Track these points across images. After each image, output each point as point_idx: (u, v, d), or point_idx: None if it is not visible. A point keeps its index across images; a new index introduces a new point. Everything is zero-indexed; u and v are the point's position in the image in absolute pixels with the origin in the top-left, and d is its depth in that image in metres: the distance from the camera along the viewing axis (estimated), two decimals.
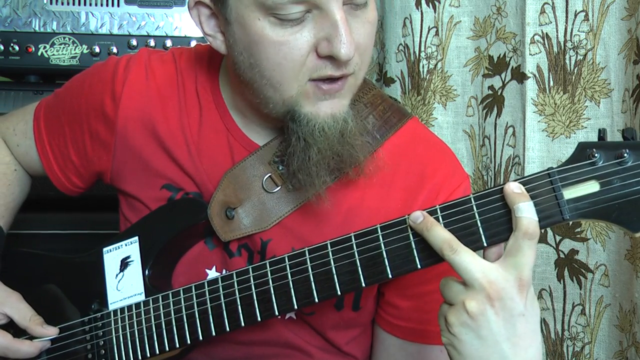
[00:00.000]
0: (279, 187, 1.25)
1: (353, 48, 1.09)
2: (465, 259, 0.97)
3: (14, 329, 1.33)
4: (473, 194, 1.02)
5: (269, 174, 1.25)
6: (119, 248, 1.32)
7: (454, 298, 0.98)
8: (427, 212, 1.03)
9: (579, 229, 1.69)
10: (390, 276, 1.06)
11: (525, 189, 0.99)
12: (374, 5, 1.15)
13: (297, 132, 1.15)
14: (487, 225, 1.00)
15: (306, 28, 1.09)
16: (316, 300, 1.11)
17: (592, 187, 0.96)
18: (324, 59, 1.10)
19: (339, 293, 1.09)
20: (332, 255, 1.10)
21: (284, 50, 1.10)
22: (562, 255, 1.72)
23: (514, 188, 0.98)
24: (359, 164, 1.20)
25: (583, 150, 0.97)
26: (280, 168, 1.25)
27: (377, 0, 2.02)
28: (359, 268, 1.08)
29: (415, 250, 1.04)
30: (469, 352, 0.98)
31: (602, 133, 0.99)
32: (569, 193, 0.97)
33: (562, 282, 1.73)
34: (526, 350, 0.97)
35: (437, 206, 1.03)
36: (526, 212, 0.96)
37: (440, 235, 0.99)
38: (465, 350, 0.98)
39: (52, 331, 1.32)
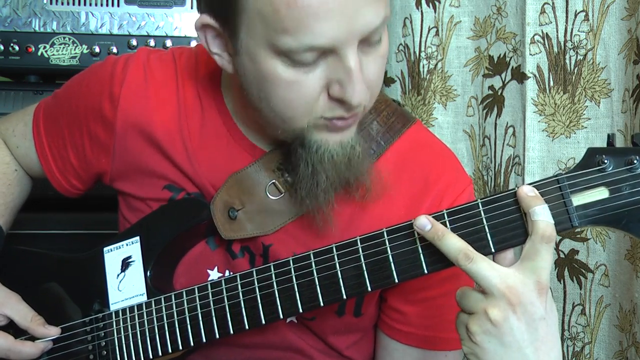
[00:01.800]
0: (282, 194, 1.24)
1: (364, 94, 1.06)
2: (482, 266, 0.96)
3: (13, 330, 1.33)
4: (480, 199, 1.02)
5: (273, 181, 1.24)
6: (120, 248, 1.32)
7: (474, 307, 0.98)
8: (434, 217, 1.02)
9: (579, 229, 1.69)
10: (396, 281, 1.06)
11: None
12: (386, 38, 1.12)
13: (306, 159, 1.14)
14: (495, 231, 1.00)
15: (319, 68, 1.06)
16: (321, 304, 1.11)
17: (601, 193, 0.96)
18: (335, 100, 1.08)
19: (344, 297, 1.09)
20: (338, 259, 1.09)
21: (295, 89, 1.07)
22: (562, 255, 1.73)
23: (527, 191, 0.97)
24: (365, 186, 1.20)
25: (592, 156, 0.97)
26: (285, 175, 1.24)
27: None
28: (365, 272, 1.07)
29: (421, 255, 1.04)
30: None
31: (611, 138, 0.98)
32: (578, 200, 0.97)
33: (562, 282, 1.73)
34: (548, 354, 0.97)
35: (445, 211, 1.03)
36: (542, 216, 0.95)
37: (454, 244, 0.98)
38: (488, 358, 0.97)
39: (54, 331, 1.32)
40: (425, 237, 1.01)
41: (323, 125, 1.11)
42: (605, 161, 0.96)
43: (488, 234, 1.00)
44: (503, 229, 1.00)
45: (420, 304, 1.27)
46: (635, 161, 0.94)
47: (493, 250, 1.00)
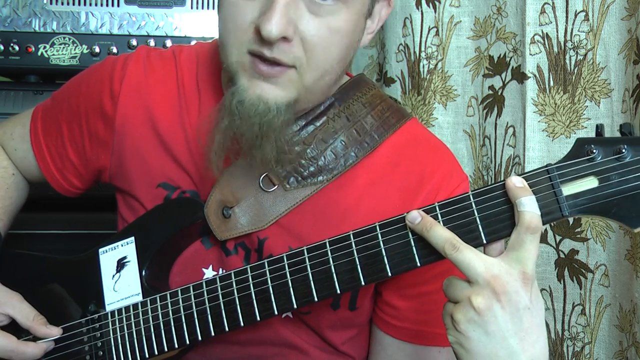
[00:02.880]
0: (275, 186, 1.25)
1: (278, 28, 1.05)
2: (468, 255, 0.97)
3: (13, 329, 1.32)
4: (471, 191, 1.02)
5: (266, 173, 1.25)
6: (115, 249, 1.32)
7: (459, 295, 0.98)
8: (425, 210, 1.03)
9: (579, 229, 1.69)
10: (389, 274, 1.06)
11: None
12: (346, 17, 1.11)
13: (225, 97, 1.15)
14: (486, 223, 1.00)
15: (257, 0, 1.09)
16: (315, 299, 1.11)
17: (591, 183, 0.96)
18: (257, 33, 1.09)
19: (338, 292, 1.09)
20: (331, 254, 1.09)
21: (233, 12, 1.11)
22: (562, 255, 1.72)
23: (516, 182, 0.98)
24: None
25: (581, 146, 0.98)
26: (277, 167, 1.24)
27: None
28: (358, 267, 1.07)
29: (414, 248, 1.04)
30: (477, 349, 0.97)
31: (599, 129, 1.00)
32: (568, 189, 0.97)
33: (562, 282, 1.73)
34: (533, 345, 0.97)
35: (436, 204, 1.03)
36: (529, 207, 0.96)
37: (441, 234, 0.99)
38: (473, 347, 0.97)
39: (56, 331, 1.31)
40: (415, 230, 1.02)
41: (248, 65, 1.12)
42: (594, 151, 0.97)
43: (480, 226, 1.00)
44: (494, 220, 1.00)
45: (414, 299, 1.27)
46: (623, 150, 0.95)
47: (485, 241, 1.01)
